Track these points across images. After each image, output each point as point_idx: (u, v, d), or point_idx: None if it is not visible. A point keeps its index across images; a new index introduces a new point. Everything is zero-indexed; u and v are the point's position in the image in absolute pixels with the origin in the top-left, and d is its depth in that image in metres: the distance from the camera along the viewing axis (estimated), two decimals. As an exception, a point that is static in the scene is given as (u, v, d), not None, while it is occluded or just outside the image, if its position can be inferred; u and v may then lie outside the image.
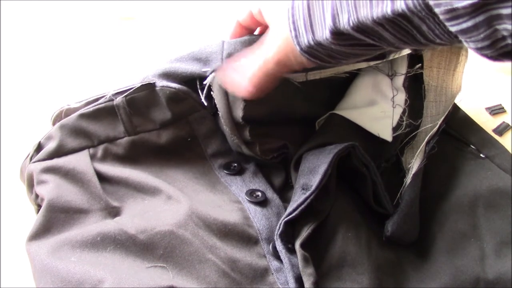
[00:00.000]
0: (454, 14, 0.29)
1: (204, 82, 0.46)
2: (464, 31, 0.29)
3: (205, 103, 0.47)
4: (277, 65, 0.41)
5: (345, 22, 0.35)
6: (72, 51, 0.67)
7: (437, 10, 0.29)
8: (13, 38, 0.69)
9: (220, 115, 0.46)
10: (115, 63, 0.65)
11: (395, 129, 0.49)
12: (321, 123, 0.51)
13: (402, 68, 0.51)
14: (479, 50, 0.30)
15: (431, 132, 0.50)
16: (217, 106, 0.46)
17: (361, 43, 0.37)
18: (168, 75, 0.47)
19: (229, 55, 0.45)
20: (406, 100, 0.50)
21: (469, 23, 0.28)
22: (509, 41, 0.28)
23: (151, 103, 0.47)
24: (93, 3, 0.74)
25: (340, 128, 0.48)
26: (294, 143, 0.49)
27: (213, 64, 0.45)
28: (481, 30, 0.28)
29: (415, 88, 0.53)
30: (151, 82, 0.46)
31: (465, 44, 0.31)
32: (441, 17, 0.30)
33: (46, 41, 0.68)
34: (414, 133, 0.51)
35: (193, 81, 0.47)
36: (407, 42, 0.35)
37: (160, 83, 0.46)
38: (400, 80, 0.51)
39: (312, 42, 0.38)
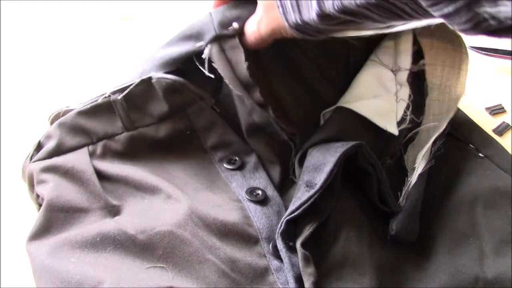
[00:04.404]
0: (435, 1, 0.30)
1: (203, 56, 0.45)
2: (446, 16, 0.30)
3: (211, 76, 0.46)
4: (270, 35, 0.43)
5: (330, 6, 0.36)
6: (72, 51, 0.67)
7: None
8: (13, 38, 0.69)
9: (227, 82, 0.45)
10: (115, 63, 0.65)
11: (399, 124, 0.49)
12: (326, 115, 0.51)
13: (406, 64, 0.51)
14: (463, 31, 0.31)
15: (437, 133, 0.50)
16: (221, 74, 0.45)
17: (348, 21, 0.37)
18: (164, 65, 0.46)
19: (221, 22, 0.45)
20: (410, 95, 0.50)
21: (450, 8, 0.29)
22: (491, 22, 0.29)
23: (148, 97, 0.46)
24: (93, 3, 0.74)
25: (345, 122, 0.48)
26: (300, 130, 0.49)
27: (207, 36, 0.45)
28: (462, 13, 0.29)
29: (418, 85, 0.53)
30: (148, 76, 0.46)
31: (449, 26, 0.31)
32: (423, 3, 0.31)
33: (46, 41, 0.68)
34: (416, 130, 0.51)
35: (190, 74, 0.47)
36: (393, 19, 0.36)
37: (156, 75, 0.46)
38: (404, 75, 0.51)
39: (300, 22, 0.39)
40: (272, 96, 0.48)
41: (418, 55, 0.53)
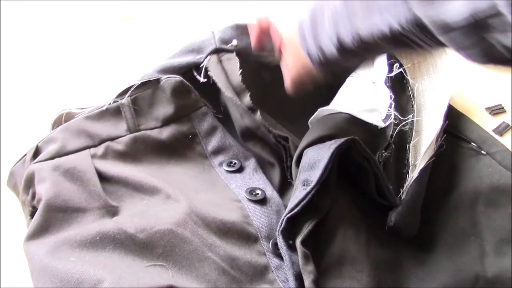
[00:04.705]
0: (447, 29, 0.31)
1: (201, 65, 0.50)
2: (458, 45, 0.32)
3: (205, 80, 0.50)
4: (299, 76, 0.48)
5: (349, 40, 0.39)
6: (72, 51, 0.67)
7: (430, 26, 0.32)
8: (13, 38, 0.69)
9: (219, 86, 0.49)
10: (116, 63, 0.65)
11: (384, 121, 0.49)
12: (313, 122, 0.51)
13: (382, 72, 0.53)
14: (475, 60, 0.33)
15: (436, 131, 0.50)
16: (215, 80, 0.49)
17: (365, 55, 0.42)
18: (165, 71, 0.50)
19: (221, 38, 0.51)
20: (390, 96, 0.51)
21: (462, 38, 0.31)
22: (503, 51, 0.30)
23: (155, 100, 0.49)
24: (93, 3, 0.74)
25: (334, 122, 0.48)
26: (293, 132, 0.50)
27: (207, 50, 0.51)
28: (474, 42, 0.31)
29: (400, 87, 0.54)
30: (156, 77, 0.49)
31: (458, 53, 0.33)
32: (435, 32, 0.32)
33: (46, 41, 0.69)
34: (404, 122, 0.51)
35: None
36: (405, 51, 0.41)
37: (165, 76, 0.49)
38: (381, 81, 0.52)
39: (322, 59, 0.42)
40: (262, 102, 0.50)
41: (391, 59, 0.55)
